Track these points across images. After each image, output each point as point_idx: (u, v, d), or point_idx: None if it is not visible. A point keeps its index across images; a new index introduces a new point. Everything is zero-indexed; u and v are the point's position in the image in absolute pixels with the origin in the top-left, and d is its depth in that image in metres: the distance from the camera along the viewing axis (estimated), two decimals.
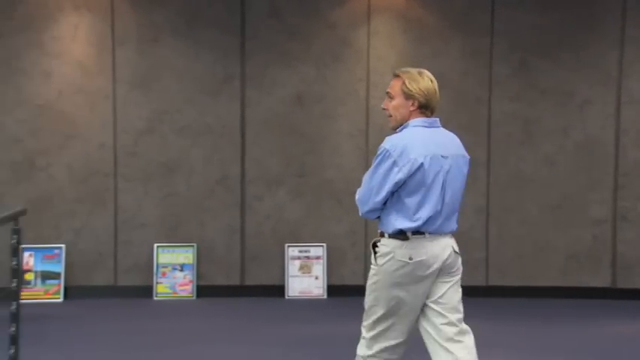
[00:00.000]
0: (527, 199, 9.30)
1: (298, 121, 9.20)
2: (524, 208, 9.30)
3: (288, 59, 9.18)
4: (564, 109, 9.27)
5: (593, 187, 9.28)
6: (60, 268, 8.87)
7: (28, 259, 8.81)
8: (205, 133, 9.13)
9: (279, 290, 9.13)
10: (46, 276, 8.82)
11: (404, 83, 4.34)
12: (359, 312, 4.53)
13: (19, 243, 5.33)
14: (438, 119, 4.44)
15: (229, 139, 9.15)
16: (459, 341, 4.41)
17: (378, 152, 4.25)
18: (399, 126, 4.38)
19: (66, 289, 8.91)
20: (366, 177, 4.32)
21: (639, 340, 7.49)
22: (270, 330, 7.56)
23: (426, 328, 4.38)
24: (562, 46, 9.23)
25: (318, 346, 6.81)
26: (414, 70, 4.42)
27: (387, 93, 4.42)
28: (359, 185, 4.40)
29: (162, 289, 9.04)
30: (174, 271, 9.06)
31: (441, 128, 4.46)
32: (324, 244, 9.18)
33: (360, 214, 4.40)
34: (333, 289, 9.04)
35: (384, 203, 4.27)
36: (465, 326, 4.47)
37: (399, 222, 4.24)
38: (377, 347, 4.37)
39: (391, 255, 4.25)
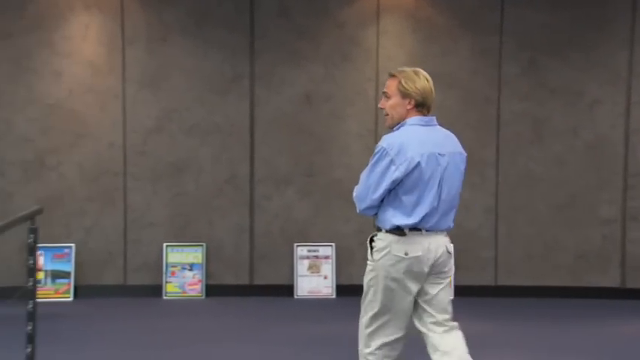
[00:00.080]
0: (537, 199, 9.29)
1: (307, 120, 9.21)
2: (534, 207, 9.29)
3: (297, 58, 9.19)
4: (574, 108, 9.26)
5: (602, 186, 9.26)
6: (70, 267, 8.90)
7: (38, 258, 8.82)
8: (214, 132, 9.14)
9: (288, 290, 9.14)
10: (56, 275, 8.85)
11: (400, 82, 4.39)
12: None
13: (35, 242, 5.34)
14: (434, 117, 4.50)
15: (238, 138, 9.17)
16: (446, 338, 4.49)
17: (376, 150, 4.31)
18: (395, 125, 4.44)
19: (76, 288, 8.94)
20: (363, 175, 4.38)
21: None
22: (279, 329, 7.56)
23: (415, 323, 4.48)
24: (572, 45, 9.22)
25: (328, 345, 6.81)
26: (409, 70, 4.47)
27: (384, 93, 4.49)
28: None
29: (172, 288, 9.06)
30: (183, 270, 9.07)
31: (438, 126, 4.52)
32: (332, 244, 9.18)
33: (358, 211, 4.45)
34: (341, 289, 9.04)
35: (381, 200, 4.33)
36: (452, 323, 4.56)
37: (396, 218, 4.30)
38: (375, 343, 4.41)
39: (387, 250, 4.32)
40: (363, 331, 4.48)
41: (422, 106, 4.42)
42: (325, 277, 9.19)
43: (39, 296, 8.50)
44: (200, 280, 9.10)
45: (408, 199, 4.28)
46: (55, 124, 8.98)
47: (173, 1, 9.09)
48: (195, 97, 9.12)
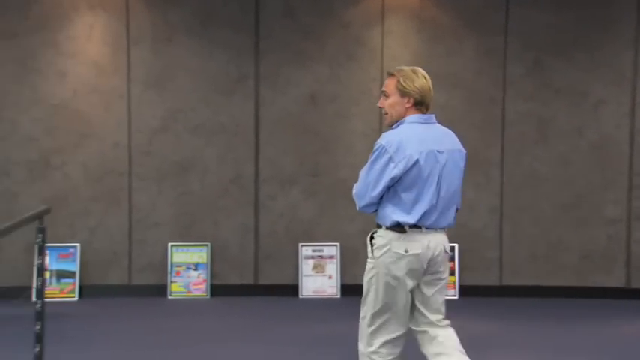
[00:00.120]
0: (541, 199, 9.28)
1: (312, 120, 9.22)
2: (538, 207, 9.29)
3: (302, 59, 9.19)
4: (578, 108, 9.26)
5: (607, 186, 9.26)
6: (75, 266, 8.91)
7: (45, 258, 8.83)
8: (219, 132, 9.15)
9: (292, 289, 9.15)
10: (61, 275, 8.86)
11: (399, 81, 4.43)
12: None
13: (44, 242, 5.36)
14: (433, 115, 4.53)
15: (243, 138, 9.18)
16: (439, 331, 4.52)
17: (375, 148, 4.33)
18: (395, 123, 4.47)
19: (81, 287, 8.95)
20: (362, 172, 4.41)
21: None
22: (284, 329, 7.57)
23: (409, 322, 4.51)
24: (576, 45, 9.21)
25: (333, 345, 6.81)
26: (408, 69, 4.52)
27: (383, 92, 4.52)
28: None
29: (177, 287, 9.07)
30: (188, 270, 9.08)
31: (437, 124, 4.55)
32: (337, 244, 9.19)
33: (358, 209, 4.47)
34: (346, 289, 9.04)
35: (381, 198, 4.36)
36: (445, 321, 4.58)
37: (396, 215, 4.32)
38: (378, 342, 4.41)
39: (388, 247, 4.34)
40: (364, 330, 4.48)
41: (421, 104, 4.46)
42: (330, 277, 9.20)
43: (45, 296, 8.56)
44: (205, 280, 9.12)
45: (407, 197, 4.30)
46: (59, 124, 8.99)
47: (178, 2, 9.11)
48: (201, 98, 9.13)
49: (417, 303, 4.45)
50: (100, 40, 9.04)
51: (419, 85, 4.44)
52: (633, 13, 9.17)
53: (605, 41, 9.23)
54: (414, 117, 4.43)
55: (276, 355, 6.65)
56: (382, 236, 4.38)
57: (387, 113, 4.51)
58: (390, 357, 4.43)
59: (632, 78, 9.20)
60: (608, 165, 9.25)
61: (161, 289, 9.06)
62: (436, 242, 4.39)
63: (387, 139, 4.34)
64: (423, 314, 4.46)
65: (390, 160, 4.27)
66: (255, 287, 9.22)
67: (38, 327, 5.32)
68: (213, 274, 9.17)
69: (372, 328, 4.43)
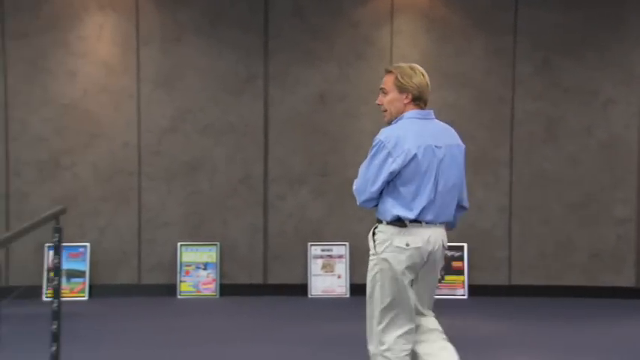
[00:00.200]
0: (551, 198, 9.27)
1: (321, 120, 9.22)
2: (548, 207, 9.28)
3: (311, 58, 9.20)
4: (588, 108, 9.24)
5: (616, 186, 9.24)
6: (85, 266, 8.94)
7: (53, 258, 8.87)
8: (228, 132, 9.17)
9: (301, 289, 9.16)
10: (71, 274, 8.88)
11: (397, 78, 4.49)
12: None
13: (60, 241, 5.38)
14: (432, 111, 4.58)
15: (252, 138, 9.19)
16: (422, 324, 4.62)
17: (374, 144, 4.41)
18: (394, 119, 4.53)
19: (90, 287, 8.98)
20: (362, 168, 4.47)
21: None
22: (293, 329, 7.58)
23: None
24: (585, 44, 9.20)
25: (343, 344, 6.81)
26: (405, 65, 4.58)
27: (381, 89, 4.59)
28: None
29: (186, 287, 9.09)
30: (197, 269, 9.10)
31: (435, 119, 4.60)
32: (346, 243, 9.19)
33: (358, 204, 4.53)
34: (355, 288, 9.04)
35: (380, 192, 4.42)
36: (431, 313, 4.70)
37: (396, 209, 4.37)
38: (390, 338, 4.43)
39: (389, 242, 4.39)
40: (374, 330, 4.49)
41: (419, 100, 4.52)
42: (339, 277, 9.21)
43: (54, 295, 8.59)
44: (214, 280, 9.13)
45: (406, 190, 4.36)
46: (69, 124, 9.02)
47: (187, 2, 9.12)
48: (210, 97, 9.15)
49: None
50: (110, 40, 9.06)
51: (417, 82, 4.50)
52: None
53: (614, 41, 9.21)
54: (412, 112, 4.50)
55: (286, 354, 6.65)
56: (383, 231, 4.44)
57: (385, 110, 4.57)
58: (404, 353, 4.45)
59: None
60: (617, 164, 9.24)
61: (170, 289, 9.08)
62: (435, 237, 4.45)
63: (385, 134, 4.42)
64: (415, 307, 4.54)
65: (389, 154, 4.33)
66: (265, 287, 9.23)
67: (55, 326, 5.34)
68: (222, 274, 9.18)
69: (382, 325, 4.44)
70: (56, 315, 5.36)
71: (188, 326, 7.66)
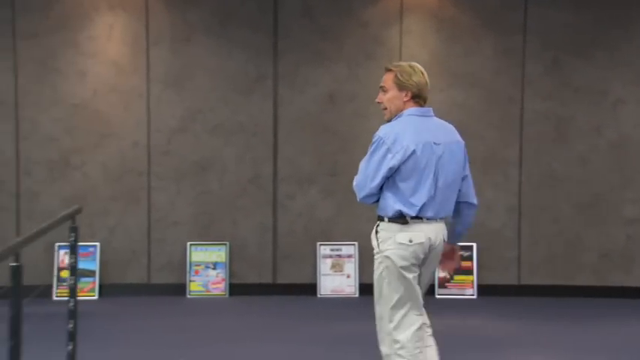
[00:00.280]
0: (560, 198, 9.27)
1: (330, 119, 9.23)
2: (557, 206, 9.27)
3: (320, 58, 9.21)
4: (597, 107, 9.23)
5: (626, 185, 9.23)
6: (95, 265, 8.96)
7: (64, 257, 8.90)
8: (238, 131, 9.18)
9: (311, 289, 9.17)
10: (80, 274, 8.85)
11: (396, 76, 4.56)
12: None
13: (76, 241, 5.41)
14: (431, 109, 4.66)
15: (262, 137, 9.20)
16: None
17: (373, 140, 4.49)
18: (393, 117, 4.60)
19: (100, 286, 9.00)
20: (362, 164, 4.57)
21: None
22: (303, 328, 7.59)
23: None
24: (595, 44, 9.19)
25: (353, 344, 6.82)
26: (405, 64, 4.66)
27: (381, 87, 4.66)
28: None
29: (195, 287, 9.11)
30: (207, 269, 9.12)
31: (434, 117, 4.67)
32: (355, 243, 9.20)
33: (358, 200, 4.62)
34: (364, 288, 9.03)
35: (380, 188, 4.49)
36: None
37: (398, 205, 4.44)
38: (404, 336, 4.45)
39: (392, 239, 4.46)
40: (385, 329, 4.50)
41: (418, 98, 4.59)
42: (348, 276, 9.21)
43: (65, 295, 8.62)
44: (224, 279, 9.14)
45: (405, 186, 4.42)
46: (79, 124, 9.04)
47: (197, 2, 9.13)
48: (219, 97, 9.16)
49: None
50: (120, 40, 9.08)
51: (416, 80, 4.57)
52: None
53: (624, 40, 9.20)
54: (412, 110, 4.57)
55: (295, 354, 6.66)
56: (386, 229, 4.51)
57: (385, 108, 4.64)
58: (417, 350, 4.47)
59: None
60: (627, 164, 9.22)
61: (180, 289, 9.10)
62: (436, 232, 4.52)
63: (384, 130, 4.49)
64: None
65: (388, 150, 4.41)
66: (274, 286, 9.24)
67: (71, 325, 5.37)
68: (231, 274, 9.20)
69: (394, 324, 4.46)
70: (72, 314, 5.39)
71: (198, 326, 7.68)
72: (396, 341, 4.45)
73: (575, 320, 8.12)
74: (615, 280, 9.23)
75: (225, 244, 9.16)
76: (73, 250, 5.41)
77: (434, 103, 9.07)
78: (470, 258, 9.17)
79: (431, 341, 4.65)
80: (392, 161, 4.39)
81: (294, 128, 9.21)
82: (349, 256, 9.22)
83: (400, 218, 4.44)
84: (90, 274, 8.92)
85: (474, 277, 9.15)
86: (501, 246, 9.27)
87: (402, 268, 4.43)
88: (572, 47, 9.19)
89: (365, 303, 8.73)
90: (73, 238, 5.37)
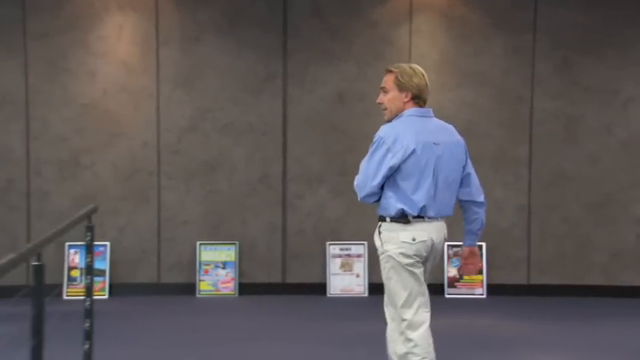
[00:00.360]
0: (570, 198, 9.25)
1: (339, 119, 9.23)
2: (567, 206, 9.26)
3: (329, 58, 9.21)
4: (608, 107, 9.21)
5: (636, 185, 9.21)
6: (105, 265, 8.97)
7: (74, 257, 8.93)
8: (247, 131, 9.19)
9: (320, 288, 9.17)
10: (88, 273, 8.91)
11: (397, 77, 4.65)
12: None
13: (92, 240, 5.43)
14: (430, 110, 4.72)
15: (271, 137, 9.21)
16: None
17: (374, 140, 4.57)
18: (393, 117, 4.67)
19: (110, 286, 9.02)
20: (363, 163, 4.63)
21: None
22: (313, 328, 7.59)
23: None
24: (605, 43, 9.17)
25: (363, 343, 6.82)
26: (405, 65, 4.75)
27: (382, 88, 4.75)
28: None
29: (205, 286, 9.12)
30: (216, 268, 9.13)
31: (434, 118, 4.73)
32: (365, 242, 9.19)
33: (359, 199, 4.69)
34: (374, 287, 9.02)
35: (381, 188, 4.56)
36: None
37: (400, 204, 4.51)
38: (416, 335, 4.52)
39: (396, 238, 4.53)
40: (398, 328, 4.55)
41: (418, 99, 4.66)
42: (357, 276, 9.21)
43: (75, 294, 8.68)
44: (233, 279, 9.16)
45: (406, 185, 4.50)
46: (89, 124, 9.06)
47: (207, 1, 9.14)
48: (229, 97, 9.17)
49: None
50: (130, 39, 9.10)
51: (416, 81, 4.64)
52: None
53: (634, 39, 9.18)
54: (412, 110, 4.63)
55: (305, 353, 6.67)
56: (388, 229, 4.58)
57: (386, 109, 4.72)
58: (431, 347, 4.53)
59: None
60: (637, 163, 9.20)
61: (190, 288, 9.12)
62: (437, 231, 4.61)
63: (384, 130, 4.57)
64: None
65: (388, 150, 4.48)
66: (283, 286, 9.25)
67: (87, 324, 5.39)
68: (241, 273, 9.21)
69: (406, 322, 4.51)
70: (89, 313, 5.41)
71: (207, 325, 7.70)
72: (410, 340, 4.48)
73: (585, 320, 8.10)
74: (625, 280, 9.21)
75: (234, 244, 9.17)
76: (90, 249, 5.43)
77: (443, 102, 9.15)
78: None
79: None
80: (392, 160, 4.46)
81: (303, 128, 9.22)
82: (359, 256, 9.22)
83: (402, 217, 4.52)
84: (100, 273, 8.93)
85: (484, 276, 9.14)
86: (511, 245, 9.26)
87: (408, 265, 4.51)
88: (583, 46, 9.18)
89: (374, 302, 8.73)
90: (89, 238, 5.39)
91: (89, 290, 5.46)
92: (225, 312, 8.42)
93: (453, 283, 9.14)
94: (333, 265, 9.20)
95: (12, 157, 8.97)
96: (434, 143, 4.54)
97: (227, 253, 9.16)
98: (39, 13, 8.93)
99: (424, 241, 4.52)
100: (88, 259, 5.44)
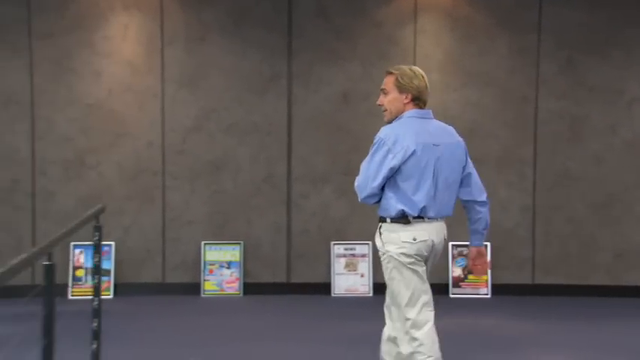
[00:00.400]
0: (574, 198, 9.25)
1: (344, 119, 9.24)
2: (571, 206, 9.26)
3: (334, 58, 9.22)
4: (612, 107, 9.21)
5: None
6: (110, 265, 8.98)
7: (79, 256, 8.94)
8: (252, 131, 9.20)
9: (325, 288, 9.18)
10: (96, 273, 8.89)
11: (397, 79, 4.68)
12: None
13: (100, 240, 5.44)
14: (430, 111, 4.75)
15: (276, 137, 9.21)
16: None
17: (374, 141, 4.60)
18: (393, 119, 4.71)
19: (115, 285, 9.03)
20: (363, 165, 4.67)
21: None
22: (317, 328, 7.60)
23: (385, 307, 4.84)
24: (610, 43, 9.17)
25: (367, 343, 6.79)
26: (405, 67, 4.76)
27: (382, 90, 4.78)
28: None
29: (210, 286, 9.13)
30: (221, 268, 9.14)
31: (434, 119, 4.76)
32: (369, 242, 9.19)
33: (359, 200, 4.72)
34: (378, 287, 9.03)
35: (382, 189, 4.59)
36: None
37: (400, 205, 4.54)
38: (421, 333, 4.53)
39: (396, 238, 4.56)
40: (403, 328, 4.56)
41: (418, 100, 4.69)
42: (362, 276, 9.22)
43: (80, 294, 8.69)
44: (238, 278, 9.17)
45: (407, 186, 4.53)
46: (94, 124, 9.08)
47: (212, 1, 9.15)
48: (234, 97, 9.18)
49: None
50: (135, 39, 9.11)
51: (417, 83, 4.67)
52: None
53: (639, 39, 9.17)
54: (412, 112, 4.67)
55: (310, 353, 6.68)
56: (389, 230, 4.62)
57: (386, 110, 4.76)
58: (437, 345, 4.54)
59: None
60: None
61: (194, 288, 9.13)
62: (437, 231, 4.63)
63: (385, 132, 4.61)
64: None
65: (389, 151, 4.52)
66: (288, 286, 9.26)
67: (95, 324, 5.40)
68: (245, 273, 9.22)
69: (411, 321, 4.54)
70: (97, 313, 5.42)
71: (212, 325, 7.71)
72: (415, 339, 4.50)
73: (590, 320, 8.10)
74: (630, 280, 9.21)
75: (239, 244, 9.18)
76: (98, 249, 5.44)
77: (448, 102, 9.15)
78: None
79: None
80: (393, 161, 4.50)
81: (308, 127, 9.23)
82: (363, 256, 9.23)
83: (403, 218, 4.55)
84: (105, 273, 8.93)
85: (488, 276, 9.14)
86: (515, 245, 9.26)
87: (410, 264, 4.54)
88: (587, 46, 9.17)
89: (379, 302, 8.70)
90: (97, 238, 5.40)
91: (97, 290, 5.47)
92: (230, 312, 8.43)
93: (457, 282, 9.14)
94: (338, 265, 9.21)
95: (17, 157, 8.98)
96: (434, 144, 4.58)
97: (232, 252, 9.17)
98: (44, 13, 8.95)
99: (425, 240, 4.55)
100: (96, 259, 5.45)
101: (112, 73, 9.08)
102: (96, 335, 5.41)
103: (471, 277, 9.10)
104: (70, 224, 4.57)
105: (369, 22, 9.22)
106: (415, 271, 4.54)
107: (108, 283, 8.96)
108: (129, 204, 9.13)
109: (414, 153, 4.49)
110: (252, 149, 9.20)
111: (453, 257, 9.15)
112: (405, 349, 4.54)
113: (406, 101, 4.66)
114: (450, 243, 9.08)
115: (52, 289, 3.61)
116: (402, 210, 4.52)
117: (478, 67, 9.19)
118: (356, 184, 4.70)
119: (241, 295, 9.14)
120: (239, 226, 9.22)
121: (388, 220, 4.61)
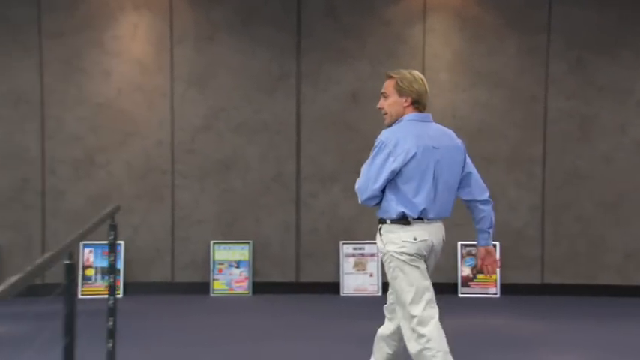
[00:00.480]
0: (584, 197, 9.24)
1: (353, 118, 9.24)
2: (580, 205, 9.25)
3: (343, 57, 9.22)
4: (622, 106, 9.20)
5: None
6: (119, 264, 8.99)
7: (89, 255, 8.96)
8: (261, 130, 9.21)
9: (334, 287, 9.19)
10: (105, 272, 8.92)
11: (397, 82, 4.74)
12: None
13: (115, 239, 5.47)
14: (430, 115, 4.81)
15: (285, 136, 9.22)
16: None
17: (375, 144, 4.64)
18: (394, 122, 4.76)
19: (125, 284, 9.05)
20: (364, 167, 4.70)
21: None
22: (327, 327, 7.60)
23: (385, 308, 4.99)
24: (619, 43, 9.16)
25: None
26: (405, 71, 4.81)
27: (382, 93, 4.84)
28: None
29: (219, 285, 9.15)
30: (230, 267, 9.15)
31: (434, 123, 4.81)
32: None
33: (360, 202, 4.77)
34: (387, 287, 9.01)
35: (382, 191, 4.63)
36: None
37: (400, 207, 4.59)
38: (428, 330, 4.56)
39: (397, 238, 4.61)
40: (410, 326, 4.59)
41: (418, 103, 4.74)
42: (371, 275, 9.22)
43: (89, 293, 8.72)
44: (247, 278, 9.18)
45: (407, 188, 4.57)
46: (104, 123, 9.10)
47: (221, 1, 9.17)
48: (243, 96, 9.19)
49: None
50: (144, 39, 9.13)
51: (416, 87, 4.72)
52: None
53: None
54: (412, 115, 4.72)
55: (319, 352, 6.68)
56: (389, 231, 4.68)
57: (386, 113, 4.81)
58: (444, 341, 4.55)
59: None
60: None
61: (203, 287, 9.14)
62: (436, 232, 4.69)
63: (386, 135, 4.66)
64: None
65: (390, 154, 4.56)
66: (297, 285, 9.27)
67: (111, 323, 5.42)
68: (254, 272, 9.23)
69: (416, 319, 4.54)
70: (112, 312, 5.43)
71: (221, 324, 7.72)
72: (422, 335, 4.52)
73: (599, 319, 8.09)
74: (639, 280, 9.20)
75: (248, 243, 9.20)
76: (112, 248, 5.47)
77: (457, 102, 9.14)
78: None
79: None
80: (394, 164, 4.54)
81: (317, 126, 9.23)
82: (372, 255, 9.23)
83: (403, 220, 4.61)
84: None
85: (497, 275, 9.14)
86: (524, 245, 9.26)
87: (412, 261, 4.59)
88: (597, 46, 9.16)
89: None
90: (112, 237, 5.43)
91: (112, 288, 5.49)
92: (239, 311, 8.44)
93: (466, 282, 9.14)
94: (347, 264, 9.21)
95: (27, 157, 9.01)
96: (434, 147, 4.62)
97: (241, 252, 9.18)
98: (54, 12, 8.97)
99: (425, 240, 4.60)
100: (112, 258, 5.48)
101: (122, 72, 9.10)
102: (111, 334, 5.42)
103: (479, 276, 9.10)
104: (87, 223, 4.59)
105: (378, 21, 9.22)
106: (417, 267, 4.60)
107: (117, 282, 8.92)
108: (138, 203, 9.14)
109: (414, 156, 4.54)
110: (261, 148, 9.22)
111: (462, 257, 9.15)
112: (413, 347, 4.55)
113: (406, 104, 4.71)
114: (459, 242, 9.08)
115: (73, 287, 3.64)
116: (403, 212, 4.59)
117: (487, 67, 9.19)
118: (357, 186, 4.74)
119: (250, 294, 9.15)
120: (248, 225, 9.24)
121: (388, 221, 4.67)
